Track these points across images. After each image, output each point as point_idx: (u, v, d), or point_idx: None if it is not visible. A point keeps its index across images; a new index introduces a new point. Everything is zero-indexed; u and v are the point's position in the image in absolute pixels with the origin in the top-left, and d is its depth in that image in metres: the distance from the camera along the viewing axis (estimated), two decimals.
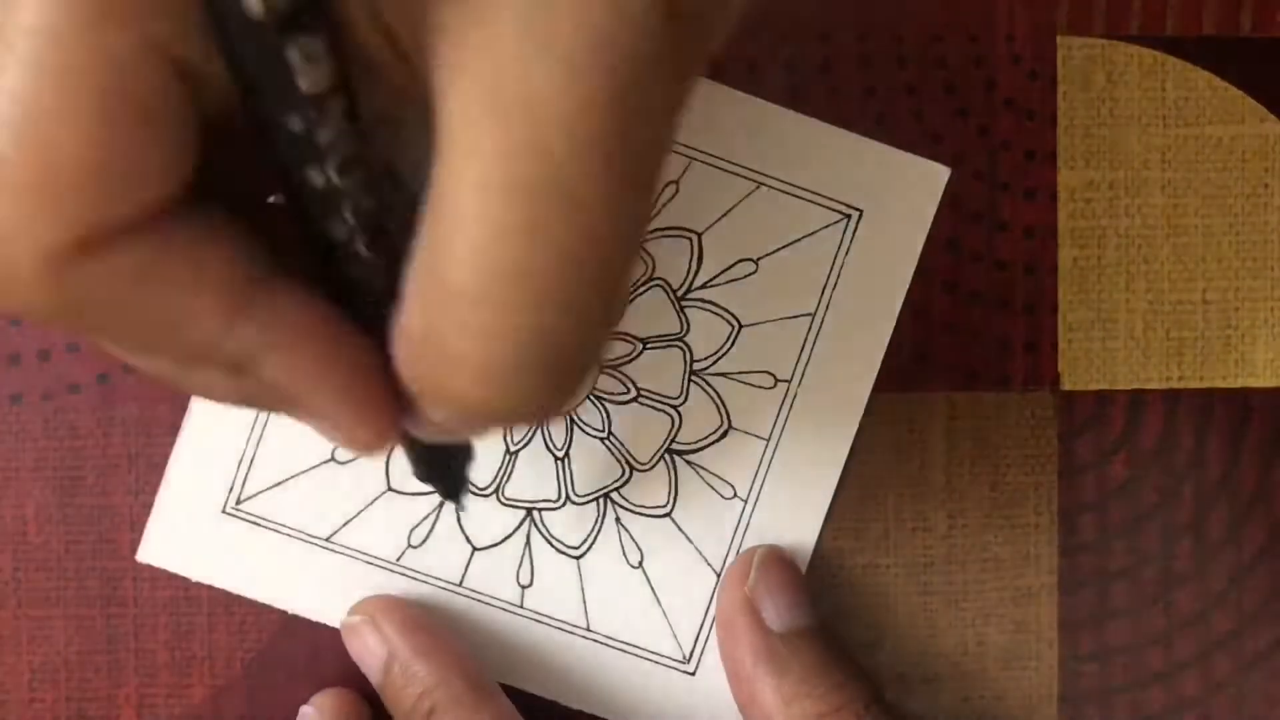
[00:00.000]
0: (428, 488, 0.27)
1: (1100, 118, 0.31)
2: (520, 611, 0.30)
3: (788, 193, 0.30)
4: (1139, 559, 0.31)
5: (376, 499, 0.30)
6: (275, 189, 0.18)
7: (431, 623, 0.29)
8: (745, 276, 0.30)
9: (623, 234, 0.16)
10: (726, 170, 0.30)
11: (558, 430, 0.30)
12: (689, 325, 0.30)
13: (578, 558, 0.30)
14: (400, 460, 0.27)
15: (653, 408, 0.30)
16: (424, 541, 0.30)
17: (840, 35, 0.30)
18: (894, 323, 0.30)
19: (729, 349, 0.30)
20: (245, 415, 0.30)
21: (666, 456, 0.30)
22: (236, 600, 0.30)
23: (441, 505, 0.30)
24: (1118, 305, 0.31)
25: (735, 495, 0.30)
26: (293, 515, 0.30)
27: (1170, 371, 0.31)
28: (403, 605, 0.29)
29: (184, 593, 0.30)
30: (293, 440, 0.30)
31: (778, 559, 0.29)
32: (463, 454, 0.25)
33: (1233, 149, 0.31)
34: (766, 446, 0.30)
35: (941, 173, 0.30)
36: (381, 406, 0.18)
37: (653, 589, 0.30)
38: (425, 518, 0.30)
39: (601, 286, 0.16)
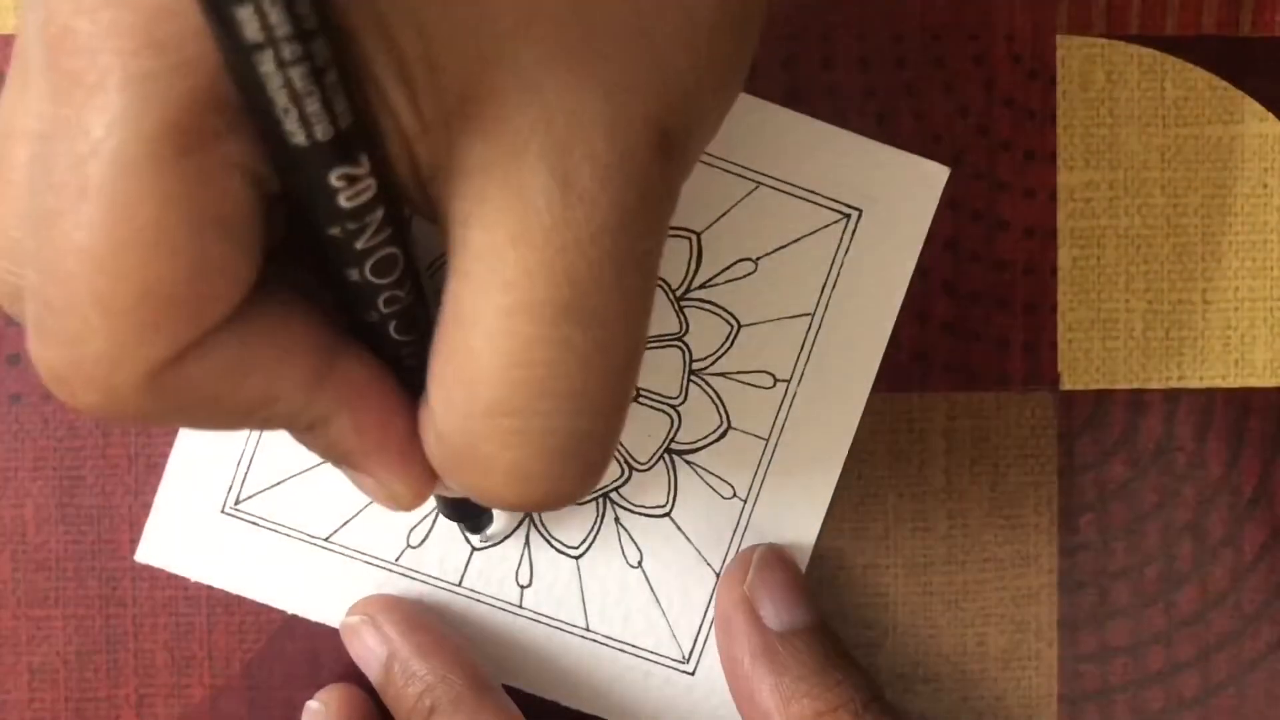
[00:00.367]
0: None
1: (1100, 117, 0.31)
2: (519, 611, 0.30)
3: (787, 192, 0.30)
4: (1139, 559, 0.31)
5: None
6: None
7: (431, 621, 0.29)
8: (744, 276, 0.30)
9: (632, 334, 0.17)
10: (726, 170, 0.30)
11: None
12: (688, 325, 0.30)
13: (577, 557, 0.30)
14: None
15: (652, 407, 0.30)
16: (423, 541, 0.30)
17: (840, 35, 0.30)
18: (893, 322, 0.30)
19: (728, 349, 0.30)
20: None
21: (666, 456, 0.30)
22: (236, 600, 0.30)
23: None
24: (1117, 305, 0.31)
25: (734, 495, 0.30)
26: (292, 515, 0.30)
27: (1170, 371, 0.31)
28: (402, 604, 0.29)
29: (183, 593, 0.30)
30: (291, 440, 0.30)
31: (776, 558, 0.29)
32: None
33: (1233, 149, 0.31)
34: (766, 446, 0.30)
35: (941, 173, 0.30)
36: (426, 468, 0.19)
37: (652, 589, 0.30)
38: (424, 518, 0.30)
39: (618, 384, 0.17)
